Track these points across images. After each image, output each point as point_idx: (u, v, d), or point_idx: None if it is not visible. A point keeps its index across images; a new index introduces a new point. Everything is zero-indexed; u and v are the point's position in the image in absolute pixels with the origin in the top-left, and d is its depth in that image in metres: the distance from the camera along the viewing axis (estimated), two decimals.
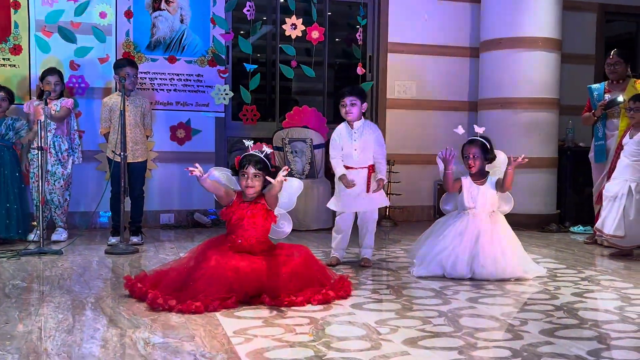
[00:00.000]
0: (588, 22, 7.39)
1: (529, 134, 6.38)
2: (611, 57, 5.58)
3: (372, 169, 4.38)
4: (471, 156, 4.12)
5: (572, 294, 3.69)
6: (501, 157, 4.26)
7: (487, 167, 4.24)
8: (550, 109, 6.48)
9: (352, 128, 4.39)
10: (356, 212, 4.51)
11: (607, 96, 5.51)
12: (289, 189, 3.86)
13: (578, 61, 7.22)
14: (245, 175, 3.58)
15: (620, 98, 5.37)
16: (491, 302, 3.50)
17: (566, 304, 3.45)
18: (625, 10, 7.58)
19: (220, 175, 3.79)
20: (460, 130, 4.24)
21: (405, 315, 3.18)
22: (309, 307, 3.29)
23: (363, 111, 4.43)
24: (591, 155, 5.70)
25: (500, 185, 4.14)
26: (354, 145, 4.34)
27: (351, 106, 4.36)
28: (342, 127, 4.44)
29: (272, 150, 3.84)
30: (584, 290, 3.81)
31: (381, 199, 4.49)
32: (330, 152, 4.44)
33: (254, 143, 3.81)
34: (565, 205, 6.66)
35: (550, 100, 6.47)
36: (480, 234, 4.04)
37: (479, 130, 4.20)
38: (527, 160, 4.08)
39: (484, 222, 4.07)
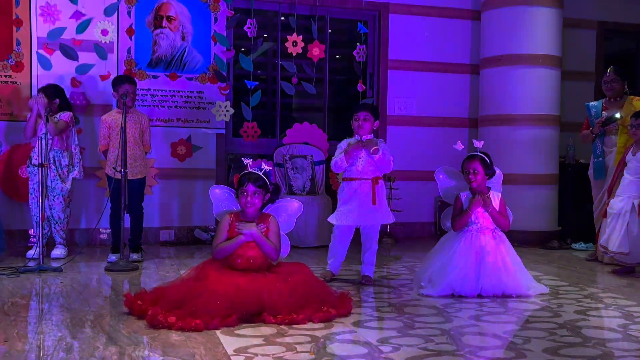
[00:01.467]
0: (588, 40, 7.43)
1: (529, 151, 6.38)
2: (608, 74, 5.60)
3: (376, 181, 4.35)
4: (472, 171, 4.11)
5: (575, 312, 3.66)
6: (497, 173, 4.27)
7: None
8: (551, 125, 6.49)
9: (361, 140, 4.37)
10: (357, 229, 4.49)
11: (604, 113, 5.52)
12: (288, 210, 3.86)
13: (578, 78, 7.24)
14: (245, 194, 3.59)
15: (618, 115, 5.38)
16: (494, 320, 3.47)
17: (569, 322, 3.42)
18: (624, 28, 7.62)
19: (220, 194, 3.80)
20: (460, 146, 4.25)
21: (407, 333, 3.16)
22: (310, 325, 3.26)
23: (374, 128, 4.45)
24: (590, 172, 5.70)
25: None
26: (361, 155, 4.33)
27: (364, 121, 4.38)
28: (351, 139, 4.44)
29: (271, 168, 3.84)
30: (586, 308, 3.78)
31: (386, 215, 4.44)
32: (335, 156, 4.41)
33: (253, 160, 3.81)
34: (566, 222, 6.64)
35: (551, 116, 6.47)
36: (485, 251, 4.02)
37: (478, 144, 4.20)
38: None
39: (487, 239, 4.06)
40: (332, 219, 4.47)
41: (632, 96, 5.55)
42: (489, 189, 4.20)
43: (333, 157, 4.44)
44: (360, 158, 4.35)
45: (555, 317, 3.53)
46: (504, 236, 4.16)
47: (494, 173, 4.21)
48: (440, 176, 4.33)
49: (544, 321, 3.45)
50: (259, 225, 3.60)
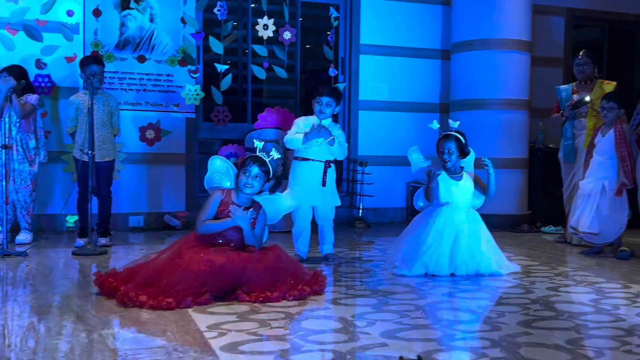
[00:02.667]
0: (557, 26, 7.48)
1: (500, 135, 6.41)
2: (580, 57, 5.62)
3: (328, 164, 4.38)
4: (446, 151, 4.11)
5: (547, 288, 3.68)
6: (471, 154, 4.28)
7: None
8: (521, 109, 6.53)
9: (319, 127, 4.39)
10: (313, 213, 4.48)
11: (575, 96, 5.56)
12: (279, 206, 3.80)
13: (547, 64, 7.30)
14: (247, 173, 3.52)
15: (587, 98, 5.43)
16: (467, 297, 3.47)
17: (542, 298, 3.44)
18: (592, 15, 7.70)
19: (220, 164, 3.70)
20: (436, 124, 4.23)
21: (382, 309, 3.13)
22: (284, 303, 3.22)
23: (334, 113, 4.49)
24: (560, 155, 5.75)
25: (481, 190, 4.17)
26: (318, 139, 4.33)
27: (326, 106, 4.39)
28: (311, 118, 4.46)
29: (279, 156, 3.77)
30: (558, 285, 3.80)
31: (334, 198, 4.46)
32: (289, 132, 4.42)
33: (263, 144, 3.72)
34: (536, 205, 6.70)
35: (521, 101, 6.52)
36: (459, 230, 4.02)
37: (455, 124, 4.19)
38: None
39: (461, 219, 4.05)
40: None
41: (601, 79, 5.61)
42: (462, 168, 4.20)
43: (289, 133, 4.43)
44: (317, 141, 4.35)
45: (528, 294, 3.54)
46: (478, 215, 4.17)
47: (468, 153, 4.21)
48: (413, 156, 4.31)
49: (517, 297, 3.46)
50: (249, 210, 3.55)
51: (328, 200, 4.41)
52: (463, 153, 4.16)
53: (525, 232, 6.28)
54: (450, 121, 4.26)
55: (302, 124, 4.42)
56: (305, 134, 4.31)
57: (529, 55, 6.58)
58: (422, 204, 4.29)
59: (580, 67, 5.58)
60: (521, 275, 4.07)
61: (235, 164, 3.75)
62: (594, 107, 5.38)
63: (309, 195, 4.36)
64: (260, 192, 3.64)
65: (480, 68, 6.46)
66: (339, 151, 4.40)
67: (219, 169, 3.70)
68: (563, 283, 3.88)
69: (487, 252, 4.08)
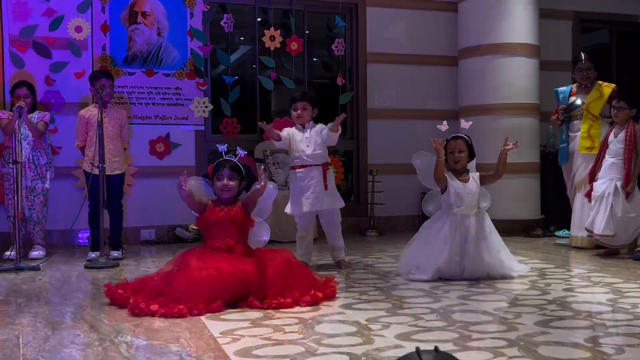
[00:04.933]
0: (564, 30, 7.46)
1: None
2: (583, 62, 5.51)
3: (326, 167, 4.39)
4: (457, 151, 4.08)
5: (563, 289, 3.64)
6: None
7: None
8: (530, 114, 6.50)
9: (303, 128, 4.43)
10: (317, 220, 4.49)
11: (572, 98, 5.52)
12: (264, 195, 3.80)
13: (555, 68, 7.25)
14: (221, 179, 3.56)
15: (579, 101, 5.41)
16: (482, 299, 3.43)
17: (558, 298, 3.39)
18: (600, 18, 7.67)
19: (196, 183, 3.74)
20: (445, 126, 4.21)
21: (396, 312, 3.10)
22: (297, 308, 3.20)
23: (314, 116, 4.51)
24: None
25: (491, 177, 4.12)
26: (305, 142, 4.37)
27: (303, 110, 4.44)
28: (292, 128, 4.49)
29: (245, 152, 3.81)
30: (574, 286, 3.76)
31: (337, 199, 4.45)
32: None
33: (227, 147, 3.76)
34: (549, 210, 6.65)
35: (530, 105, 6.49)
36: (469, 233, 3.98)
37: (465, 124, 4.17)
38: (518, 145, 4.11)
39: (471, 222, 4.01)
40: (288, 209, 4.44)
41: (600, 81, 5.53)
42: (468, 170, 4.16)
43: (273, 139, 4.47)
44: (308, 146, 4.36)
45: (544, 295, 3.50)
46: (487, 216, 4.12)
47: (474, 155, 4.19)
48: (418, 161, 4.28)
49: (533, 298, 3.42)
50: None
51: (329, 204, 4.39)
52: (471, 155, 4.13)
53: (539, 237, 6.23)
54: (462, 120, 4.23)
55: (286, 134, 4.44)
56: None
57: (537, 60, 6.56)
58: (430, 209, 4.25)
59: (584, 72, 5.50)
60: (536, 278, 4.02)
61: (204, 175, 3.79)
62: (589, 109, 5.35)
63: (312, 200, 4.34)
64: (239, 192, 3.67)
65: (488, 73, 6.45)
66: (328, 139, 4.38)
67: (197, 189, 3.72)
68: (579, 284, 3.83)
69: (498, 254, 4.03)
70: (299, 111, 4.43)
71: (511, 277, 3.99)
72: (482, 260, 3.96)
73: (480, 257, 3.96)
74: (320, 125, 4.44)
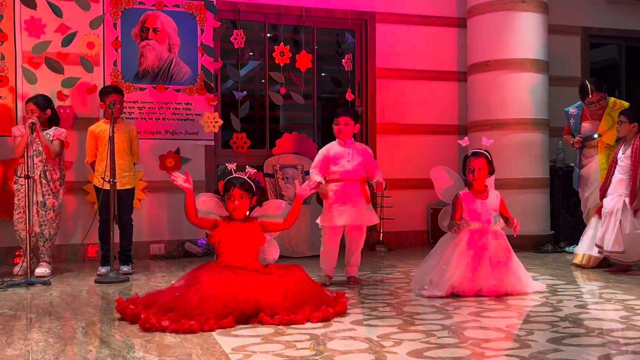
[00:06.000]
0: (573, 46, 7.47)
1: (519, 155, 6.37)
2: (592, 95, 5.31)
3: (363, 181, 4.40)
4: (477, 169, 4.07)
5: (575, 306, 3.62)
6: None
7: None
8: (540, 129, 6.50)
9: (344, 143, 4.44)
10: (343, 233, 4.48)
11: (583, 126, 5.48)
12: (275, 212, 3.81)
13: (565, 84, 7.26)
14: (232, 198, 3.57)
15: (596, 135, 5.38)
16: (495, 315, 3.42)
17: (570, 315, 3.37)
18: (608, 33, 7.68)
19: (207, 199, 3.76)
20: (465, 141, 4.23)
21: (407, 329, 3.09)
22: (308, 324, 3.19)
23: (355, 132, 4.52)
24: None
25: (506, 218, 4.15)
26: (347, 157, 4.39)
27: (344, 126, 4.44)
28: (333, 143, 4.51)
29: (255, 170, 3.82)
30: (586, 303, 3.74)
31: (373, 216, 4.46)
32: (313, 163, 4.46)
33: (236, 165, 3.77)
34: (559, 225, 6.62)
35: (539, 120, 6.49)
36: (485, 250, 3.96)
37: (487, 142, 4.17)
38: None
39: (487, 239, 4.00)
40: (321, 221, 4.44)
41: (613, 100, 5.42)
42: (486, 187, 4.15)
43: (313, 164, 4.46)
44: (349, 161, 4.38)
45: (556, 312, 3.48)
46: (503, 234, 4.11)
47: (494, 171, 4.19)
48: (437, 175, 4.28)
49: (545, 315, 3.40)
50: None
51: (364, 219, 4.40)
52: (490, 171, 4.13)
53: (549, 252, 6.20)
54: (484, 138, 4.23)
55: (325, 152, 4.45)
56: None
57: (546, 75, 6.57)
58: (446, 224, 4.24)
59: (596, 104, 5.35)
60: (548, 294, 4.00)
61: (215, 191, 3.79)
62: (603, 139, 5.32)
63: (345, 215, 4.34)
64: (253, 209, 3.70)
65: (497, 89, 6.46)
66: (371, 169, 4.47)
67: (208, 205, 3.73)
68: (591, 301, 3.82)
69: (513, 271, 4.02)
70: (340, 126, 4.43)
71: (526, 294, 3.96)
72: (499, 278, 3.94)
73: (497, 274, 3.94)
74: (366, 150, 4.46)
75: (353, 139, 4.52)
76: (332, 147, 4.48)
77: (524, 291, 3.98)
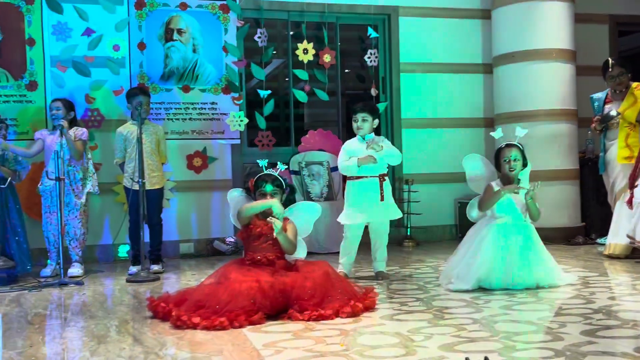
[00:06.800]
0: (600, 34, 7.35)
1: (548, 146, 6.29)
2: (611, 69, 5.34)
3: (382, 178, 4.40)
4: (512, 160, 4.03)
5: (608, 298, 3.57)
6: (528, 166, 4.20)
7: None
8: (568, 120, 6.41)
9: (363, 140, 4.43)
10: (365, 227, 4.49)
11: (606, 107, 5.42)
12: (307, 214, 3.84)
13: (593, 73, 7.13)
14: (264, 195, 3.60)
15: (613, 112, 5.30)
16: (525, 309, 3.38)
17: (604, 307, 3.32)
18: (637, 21, 7.54)
19: (238, 195, 3.78)
20: (499, 133, 4.25)
21: (437, 323, 3.08)
22: (337, 320, 3.20)
23: (374, 127, 4.52)
24: None
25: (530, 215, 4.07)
26: (364, 153, 4.35)
27: (362, 122, 4.46)
28: (353, 140, 4.53)
29: (286, 166, 3.83)
30: (619, 294, 3.68)
31: (394, 210, 4.46)
32: (340, 160, 4.47)
33: (267, 162, 3.79)
34: (590, 217, 6.53)
35: (567, 111, 6.40)
36: (514, 243, 3.92)
37: (521, 133, 4.13)
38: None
39: (517, 231, 3.95)
40: (342, 219, 4.45)
41: (635, 84, 5.35)
42: (519, 180, 4.11)
43: (340, 159, 4.48)
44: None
45: (588, 304, 3.43)
46: (532, 227, 4.06)
47: (527, 163, 4.14)
48: (469, 164, 4.26)
49: (578, 307, 3.35)
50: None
51: (385, 214, 4.41)
52: (525, 163, 4.09)
53: (581, 244, 6.11)
54: (517, 128, 4.19)
55: (348, 149, 4.47)
56: (359, 160, 4.32)
57: (573, 65, 6.48)
58: (475, 215, 4.21)
59: (615, 78, 5.35)
60: (579, 287, 3.95)
61: (246, 188, 3.80)
62: (624, 117, 5.23)
63: (365, 212, 4.37)
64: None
65: (524, 80, 6.39)
66: (391, 157, 4.44)
67: (240, 201, 3.76)
68: (624, 292, 3.76)
69: (544, 263, 3.97)
70: (359, 122, 4.44)
71: (557, 287, 3.92)
72: (528, 270, 3.89)
73: (527, 267, 3.89)
74: (384, 141, 4.44)
75: (372, 134, 4.51)
76: (351, 144, 4.50)
77: (555, 284, 3.94)
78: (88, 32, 5.87)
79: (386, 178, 4.45)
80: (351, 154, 4.43)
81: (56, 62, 5.80)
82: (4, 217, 4.87)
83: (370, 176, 4.38)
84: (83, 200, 5.17)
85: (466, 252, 4.05)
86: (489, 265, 3.89)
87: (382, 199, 4.37)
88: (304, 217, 3.87)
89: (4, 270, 4.75)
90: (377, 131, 4.61)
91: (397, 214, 4.49)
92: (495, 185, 4.06)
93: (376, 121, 4.52)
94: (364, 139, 4.44)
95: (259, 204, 3.58)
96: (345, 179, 4.71)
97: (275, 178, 3.67)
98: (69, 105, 5.22)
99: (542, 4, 6.34)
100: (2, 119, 5.15)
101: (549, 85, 6.35)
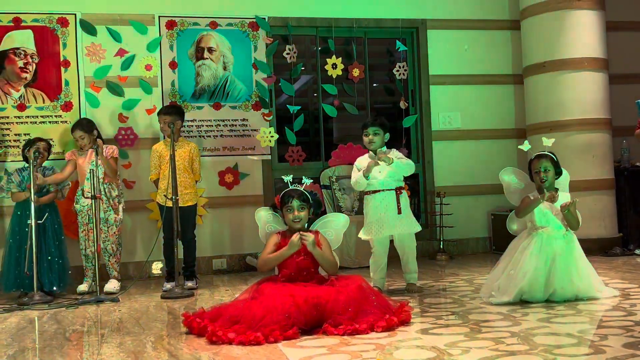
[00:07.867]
0: (633, 41, 7.24)
1: (582, 156, 6.20)
2: None
3: (399, 190, 4.37)
4: (542, 170, 3.98)
5: None
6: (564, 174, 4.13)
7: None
8: (602, 129, 6.30)
9: (375, 154, 4.42)
10: (391, 242, 4.47)
11: None
12: (336, 225, 3.84)
13: (627, 81, 7.05)
14: (291, 210, 3.60)
15: None
16: (565, 321, 3.32)
17: None
18: None
19: (265, 214, 3.80)
20: (527, 145, 4.21)
21: (475, 337, 3.03)
22: (372, 334, 3.17)
23: (385, 141, 4.52)
24: None
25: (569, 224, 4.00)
26: (378, 168, 4.34)
27: (374, 136, 4.45)
28: (364, 156, 4.51)
29: (311, 181, 3.84)
30: None
31: (412, 223, 4.44)
32: (352, 177, 4.46)
33: (292, 178, 3.80)
34: (627, 227, 6.40)
35: (601, 120, 6.29)
36: (556, 254, 3.85)
37: (549, 142, 4.09)
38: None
39: (558, 242, 3.89)
40: (362, 234, 4.44)
41: None
42: (556, 189, 4.04)
43: (353, 176, 4.46)
44: (380, 171, 4.36)
45: (629, 316, 3.35)
46: (575, 237, 3.98)
47: (561, 172, 4.08)
48: (506, 177, 4.22)
49: (619, 320, 3.28)
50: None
51: (403, 227, 4.38)
52: (558, 172, 4.03)
53: (618, 256, 5.99)
54: (544, 139, 4.15)
55: (359, 165, 4.46)
56: (363, 171, 4.32)
57: (605, 73, 6.39)
58: (515, 227, 4.16)
59: None
60: (619, 299, 3.86)
61: (272, 205, 3.80)
62: None
63: (385, 226, 4.35)
64: (312, 221, 3.74)
65: (555, 89, 6.31)
66: (403, 169, 4.39)
67: (267, 219, 3.78)
68: None
69: (586, 276, 3.89)
70: (370, 136, 4.44)
71: (597, 299, 3.84)
72: (570, 282, 3.82)
73: (569, 279, 3.82)
74: (395, 152, 4.43)
75: (384, 148, 4.49)
76: (362, 160, 4.48)
77: (595, 296, 3.86)
78: (121, 52, 5.98)
79: (403, 191, 4.43)
80: (362, 167, 4.42)
81: (90, 83, 5.91)
82: (41, 247, 4.90)
83: (387, 189, 4.36)
84: (121, 216, 5.25)
85: (507, 264, 3.99)
86: (531, 276, 3.82)
87: (399, 212, 4.33)
88: (333, 228, 3.86)
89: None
90: (391, 144, 4.56)
91: (416, 228, 4.45)
92: (532, 197, 4.01)
93: (387, 135, 4.50)
94: (375, 153, 4.42)
95: (285, 252, 3.56)
96: (362, 194, 4.69)
97: (301, 193, 3.68)
98: (90, 125, 5.28)
99: (572, 12, 6.27)
100: (37, 146, 5.09)
101: (581, 94, 6.26)
